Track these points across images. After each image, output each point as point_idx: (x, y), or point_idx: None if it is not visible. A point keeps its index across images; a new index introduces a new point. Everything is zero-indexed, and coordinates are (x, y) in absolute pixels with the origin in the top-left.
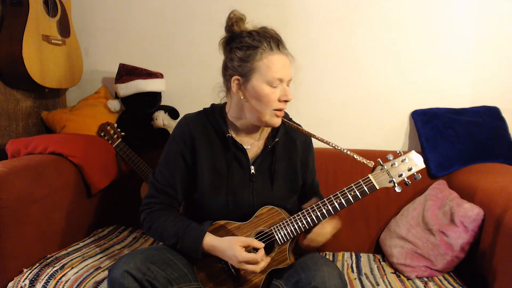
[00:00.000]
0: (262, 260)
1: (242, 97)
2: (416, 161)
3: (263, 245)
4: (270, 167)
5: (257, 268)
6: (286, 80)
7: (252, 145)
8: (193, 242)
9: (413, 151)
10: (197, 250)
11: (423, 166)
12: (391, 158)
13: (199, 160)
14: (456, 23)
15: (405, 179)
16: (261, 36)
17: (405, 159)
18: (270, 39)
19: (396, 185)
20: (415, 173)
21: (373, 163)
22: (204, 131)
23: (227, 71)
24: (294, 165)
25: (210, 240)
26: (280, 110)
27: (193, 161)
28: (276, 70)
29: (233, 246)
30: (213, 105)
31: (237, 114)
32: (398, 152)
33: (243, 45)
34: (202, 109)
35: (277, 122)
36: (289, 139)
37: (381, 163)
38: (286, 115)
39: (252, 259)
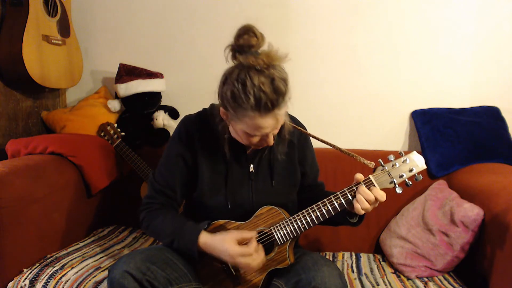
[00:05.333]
0: (255, 253)
1: (228, 122)
2: (417, 162)
3: (253, 234)
4: (268, 163)
5: (250, 260)
6: (269, 133)
7: None
8: (188, 241)
9: (415, 152)
10: (193, 249)
11: (425, 167)
12: (392, 159)
13: (199, 161)
14: (456, 23)
15: (406, 180)
16: (254, 95)
17: (406, 159)
18: (263, 102)
19: (397, 186)
20: (416, 174)
21: (374, 164)
22: (204, 132)
23: (219, 95)
24: (292, 159)
25: (204, 239)
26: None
27: (194, 162)
28: (259, 130)
29: (224, 242)
30: (212, 105)
31: None
32: (399, 152)
33: (234, 91)
34: (202, 109)
35: (258, 148)
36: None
37: (382, 163)
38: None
39: (244, 252)
